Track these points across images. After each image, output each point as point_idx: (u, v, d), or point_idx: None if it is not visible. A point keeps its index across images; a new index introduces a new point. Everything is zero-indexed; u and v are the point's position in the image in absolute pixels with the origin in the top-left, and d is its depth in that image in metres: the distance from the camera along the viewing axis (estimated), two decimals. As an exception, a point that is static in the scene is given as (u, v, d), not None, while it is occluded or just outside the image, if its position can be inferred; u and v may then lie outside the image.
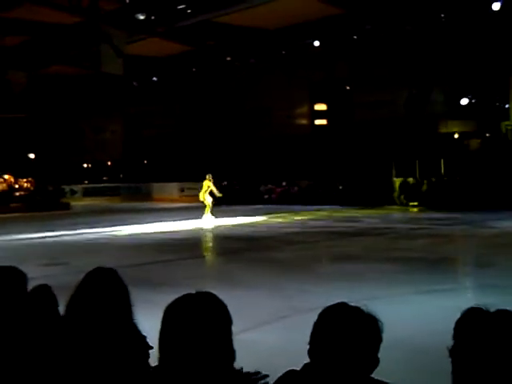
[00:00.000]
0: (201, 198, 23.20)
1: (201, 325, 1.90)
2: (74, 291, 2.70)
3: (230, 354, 1.97)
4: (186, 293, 2.00)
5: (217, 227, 20.83)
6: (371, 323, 1.97)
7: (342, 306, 2.00)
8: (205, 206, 22.90)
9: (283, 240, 16.45)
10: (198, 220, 22.30)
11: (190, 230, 20.00)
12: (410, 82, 30.27)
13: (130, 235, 18.45)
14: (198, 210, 23.61)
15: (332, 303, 2.03)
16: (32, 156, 39.57)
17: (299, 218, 23.27)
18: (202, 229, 20.53)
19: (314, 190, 30.05)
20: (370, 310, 2.00)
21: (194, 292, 2.00)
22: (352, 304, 2.01)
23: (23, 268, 3.41)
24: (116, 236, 18.42)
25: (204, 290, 2.02)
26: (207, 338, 1.89)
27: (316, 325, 1.98)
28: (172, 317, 1.95)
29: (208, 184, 23.18)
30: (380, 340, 1.97)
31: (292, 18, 25.95)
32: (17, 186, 32.36)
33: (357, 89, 32.71)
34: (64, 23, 26.31)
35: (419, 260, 12.37)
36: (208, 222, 21.95)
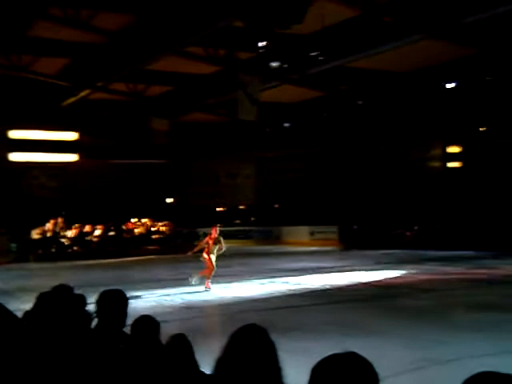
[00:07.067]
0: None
1: None
2: (223, 352, 2.48)
3: None
4: (332, 353, 1.92)
5: (347, 274, 20.60)
6: None
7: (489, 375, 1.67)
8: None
9: (417, 287, 16.07)
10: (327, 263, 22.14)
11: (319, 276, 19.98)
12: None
13: (261, 280, 18.73)
14: (327, 253, 23.39)
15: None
16: (170, 200, 41.21)
17: (430, 264, 22.60)
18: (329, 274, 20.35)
19: (447, 234, 29.17)
20: None
21: (340, 352, 1.92)
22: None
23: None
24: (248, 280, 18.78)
25: (349, 350, 1.92)
26: None
27: None
28: (320, 379, 1.87)
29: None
30: None
31: (424, 61, 25.74)
32: (154, 229, 33.90)
33: (493, 129, 31.65)
34: (202, 73, 27.65)
35: None
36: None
